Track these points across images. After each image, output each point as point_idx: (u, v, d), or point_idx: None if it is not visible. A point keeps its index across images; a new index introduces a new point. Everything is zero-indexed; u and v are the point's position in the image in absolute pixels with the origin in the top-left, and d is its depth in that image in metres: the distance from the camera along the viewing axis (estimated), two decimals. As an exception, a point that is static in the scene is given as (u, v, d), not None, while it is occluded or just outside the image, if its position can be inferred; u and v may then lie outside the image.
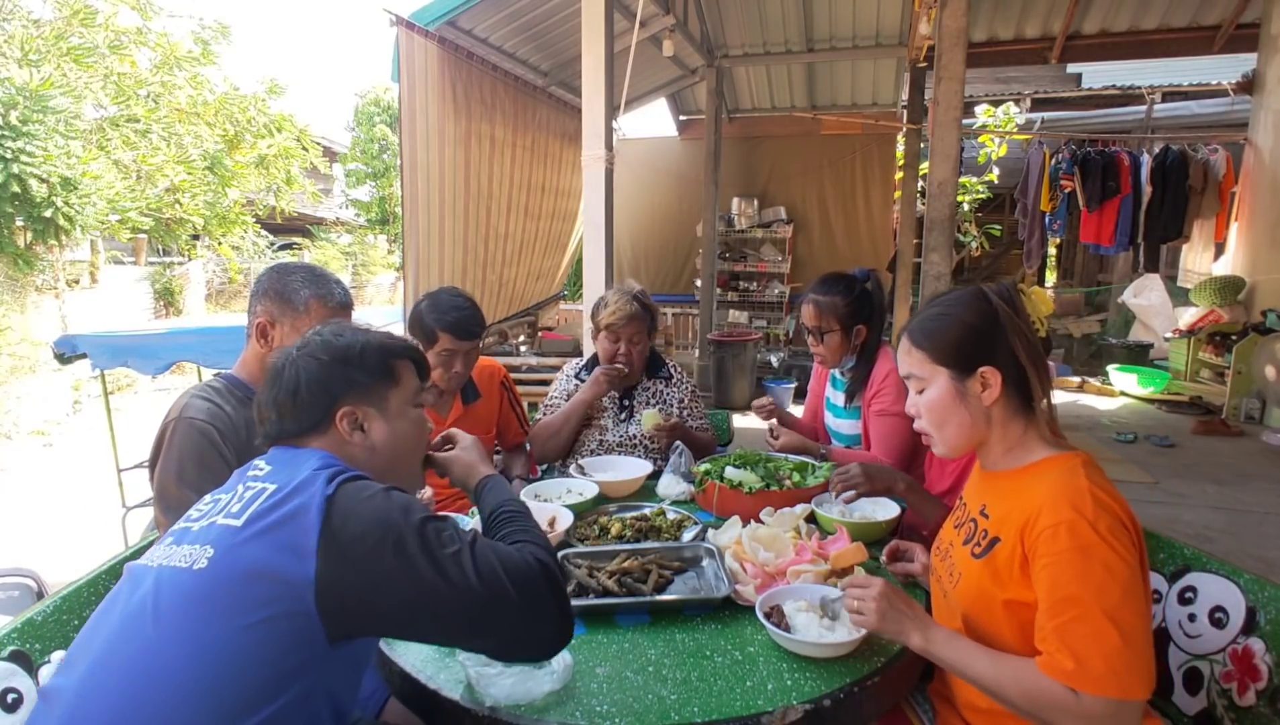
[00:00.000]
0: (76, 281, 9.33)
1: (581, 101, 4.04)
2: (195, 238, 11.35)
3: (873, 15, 6.68)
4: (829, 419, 2.37)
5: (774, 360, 7.58)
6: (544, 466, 2.52)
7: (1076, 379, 7.24)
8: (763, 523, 1.67)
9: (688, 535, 1.69)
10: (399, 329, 2.47)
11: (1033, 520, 1.07)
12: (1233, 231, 6.89)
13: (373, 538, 0.92)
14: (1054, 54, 7.33)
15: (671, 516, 1.79)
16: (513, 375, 2.61)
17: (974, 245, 9.84)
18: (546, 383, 3.86)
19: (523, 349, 6.26)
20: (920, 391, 1.24)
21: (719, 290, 8.45)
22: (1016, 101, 9.46)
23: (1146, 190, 6.85)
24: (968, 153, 8.76)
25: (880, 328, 2.18)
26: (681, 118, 9.11)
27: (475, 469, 1.29)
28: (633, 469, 2.12)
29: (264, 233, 13.37)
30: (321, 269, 1.69)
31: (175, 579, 0.93)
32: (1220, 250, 7.15)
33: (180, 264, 11.94)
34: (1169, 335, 7.20)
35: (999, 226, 10.31)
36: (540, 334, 6.67)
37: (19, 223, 7.23)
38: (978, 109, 9.02)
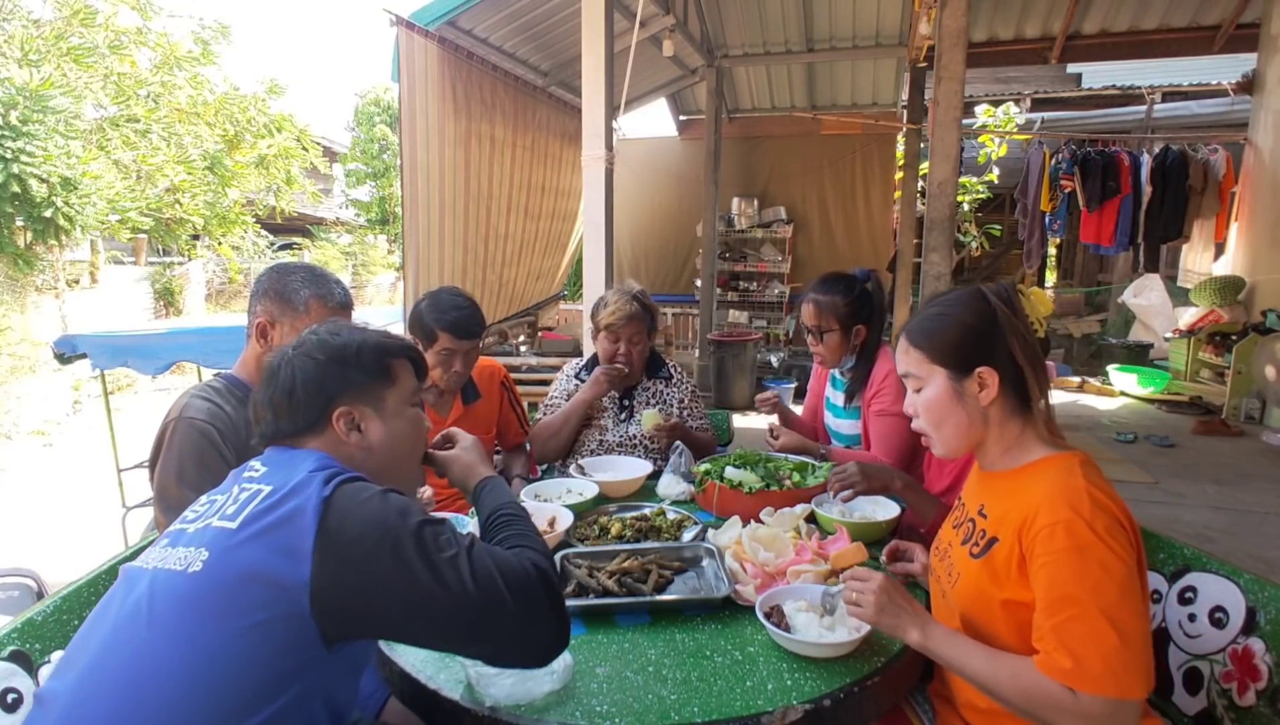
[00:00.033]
0: (76, 281, 9.34)
1: (581, 101, 4.04)
2: (195, 238, 11.35)
3: (873, 15, 6.68)
4: (829, 419, 2.37)
5: (774, 360, 7.59)
6: (544, 466, 2.52)
7: (1076, 379, 7.24)
8: (763, 523, 1.67)
9: (688, 535, 1.69)
10: (399, 329, 2.47)
11: (1030, 520, 1.08)
12: (1233, 231, 6.89)
13: (369, 541, 0.91)
14: (1054, 54, 7.33)
15: (671, 516, 1.79)
16: (513, 375, 2.61)
17: (974, 245, 9.85)
18: (546, 383, 3.86)
19: (523, 349, 6.26)
20: (918, 390, 1.25)
21: (719, 290, 8.45)
22: (1016, 101, 9.46)
23: (1146, 190, 6.85)
24: (968, 153, 8.76)
25: (880, 328, 2.18)
26: (681, 118, 9.11)
27: (474, 470, 1.28)
28: (633, 469, 2.12)
29: (264, 233, 13.38)
30: (321, 269, 1.69)
31: (170, 582, 0.92)
32: (1220, 250, 7.15)
33: (180, 264, 11.94)
34: (1169, 335, 7.20)
35: (999, 226, 10.31)
36: (540, 334, 6.67)
37: (19, 223, 7.23)
38: (978, 109, 9.03)
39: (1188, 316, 6.80)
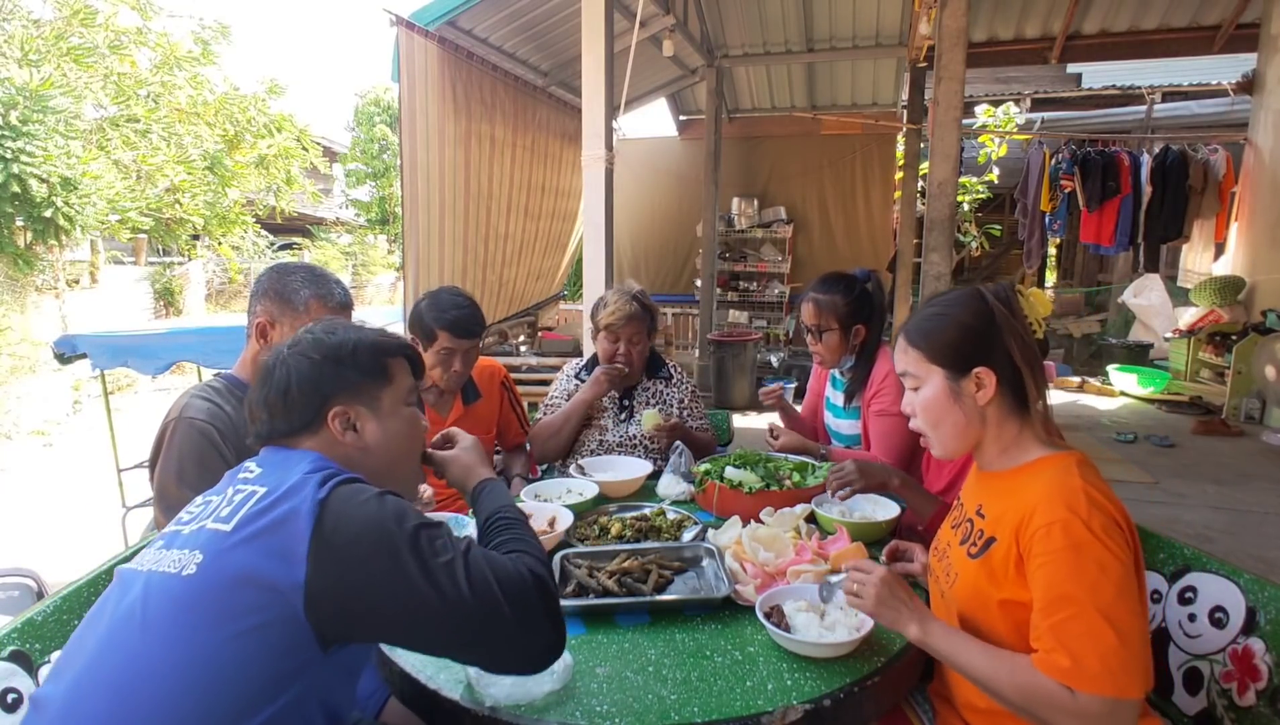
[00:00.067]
0: (76, 281, 9.34)
1: (581, 101, 4.04)
2: (195, 238, 11.35)
3: (873, 15, 6.68)
4: (829, 419, 2.38)
5: (774, 360, 7.59)
6: (544, 466, 2.52)
7: (1076, 379, 7.24)
8: (763, 523, 1.67)
9: (688, 535, 1.69)
10: (399, 329, 2.47)
11: (1027, 520, 1.08)
12: (1233, 231, 6.89)
13: (364, 545, 0.90)
14: (1054, 54, 7.34)
15: (671, 516, 1.79)
16: (513, 375, 2.61)
17: (974, 245, 9.85)
18: (546, 383, 3.86)
19: (523, 349, 6.26)
20: (915, 390, 1.25)
21: (719, 290, 8.46)
22: (1016, 101, 9.46)
23: (1146, 190, 6.85)
24: (968, 153, 8.76)
25: (880, 328, 2.18)
26: (681, 118, 9.11)
27: (473, 471, 1.27)
28: (633, 469, 2.12)
29: (264, 233, 13.38)
30: (321, 269, 1.69)
31: (164, 585, 0.91)
32: (1220, 250, 7.15)
33: (180, 264, 11.94)
34: (1169, 335, 7.20)
35: (999, 226, 10.31)
36: (540, 334, 6.67)
37: (19, 223, 7.23)
38: (978, 109, 9.03)
39: (1188, 316, 6.80)
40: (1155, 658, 1.36)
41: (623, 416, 2.42)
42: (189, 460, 1.46)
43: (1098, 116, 8.76)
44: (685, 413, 2.43)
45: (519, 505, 1.73)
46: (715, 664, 1.20)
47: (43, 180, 6.89)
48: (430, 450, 1.31)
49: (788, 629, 1.23)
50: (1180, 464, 4.74)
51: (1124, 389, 6.84)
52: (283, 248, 15.80)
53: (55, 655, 1.19)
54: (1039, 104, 9.93)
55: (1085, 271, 11.03)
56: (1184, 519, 3.83)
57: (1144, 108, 8.72)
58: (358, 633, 0.92)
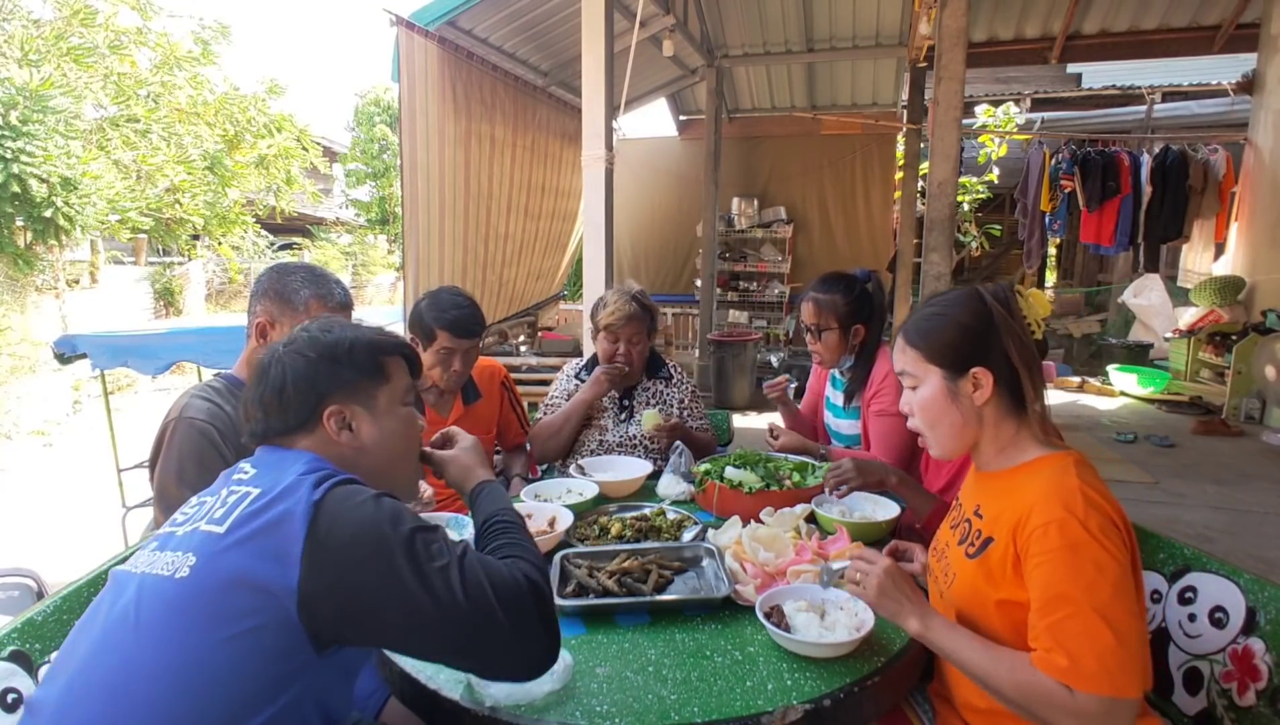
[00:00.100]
0: (76, 281, 9.34)
1: (581, 101, 4.04)
2: (195, 238, 11.35)
3: (873, 15, 6.69)
4: (829, 419, 2.38)
5: (774, 360, 7.59)
6: (544, 466, 2.52)
7: (1076, 379, 7.24)
8: (763, 523, 1.67)
9: (688, 535, 1.69)
10: (399, 329, 2.47)
11: (1024, 519, 1.08)
12: (1233, 231, 6.89)
13: (359, 548, 0.89)
14: (1054, 54, 7.34)
15: (671, 516, 1.79)
16: (513, 375, 2.61)
17: (974, 245, 9.85)
18: (546, 383, 3.86)
19: (523, 349, 6.26)
20: (913, 389, 1.25)
21: (719, 290, 8.46)
22: (1016, 101, 9.47)
23: (1146, 190, 6.85)
24: (968, 153, 8.76)
25: (880, 329, 2.18)
26: (681, 118, 9.11)
27: (472, 472, 1.26)
28: (633, 469, 2.12)
29: (264, 233, 13.38)
30: (321, 269, 1.69)
31: (157, 588, 0.90)
32: (1220, 250, 7.15)
33: (180, 264, 11.94)
34: (1169, 335, 7.20)
35: (999, 226, 10.31)
36: (540, 334, 6.67)
37: (19, 223, 7.24)
38: (978, 109, 9.03)
39: (1188, 316, 6.80)
40: (1155, 658, 1.36)
41: (623, 416, 2.42)
42: (189, 460, 1.46)
43: (1098, 116, 8.77)
44: (685, 413, 2.43)
45: (519, 505, 1.73)
46: (715, 664, 1.20)
47: (43, 180, 6.89)
48: (429, 449, 1.30)
49: (788, 629, 1.23)
50: (1180, 464, 4.74)
51: (1124, 389, 6.84)
52: (283, 248, 15.80)
53: (55, 656, 1.19)
54: (1039, 104, 9.93)
55: (1085, 271, 11.03)
56: (1184, 519, 3.83)
57: (1144, 108, 8.72)
58: (351, 636, 0.91)
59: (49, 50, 8.17)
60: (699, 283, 8.11)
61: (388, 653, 1.24)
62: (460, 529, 1.72)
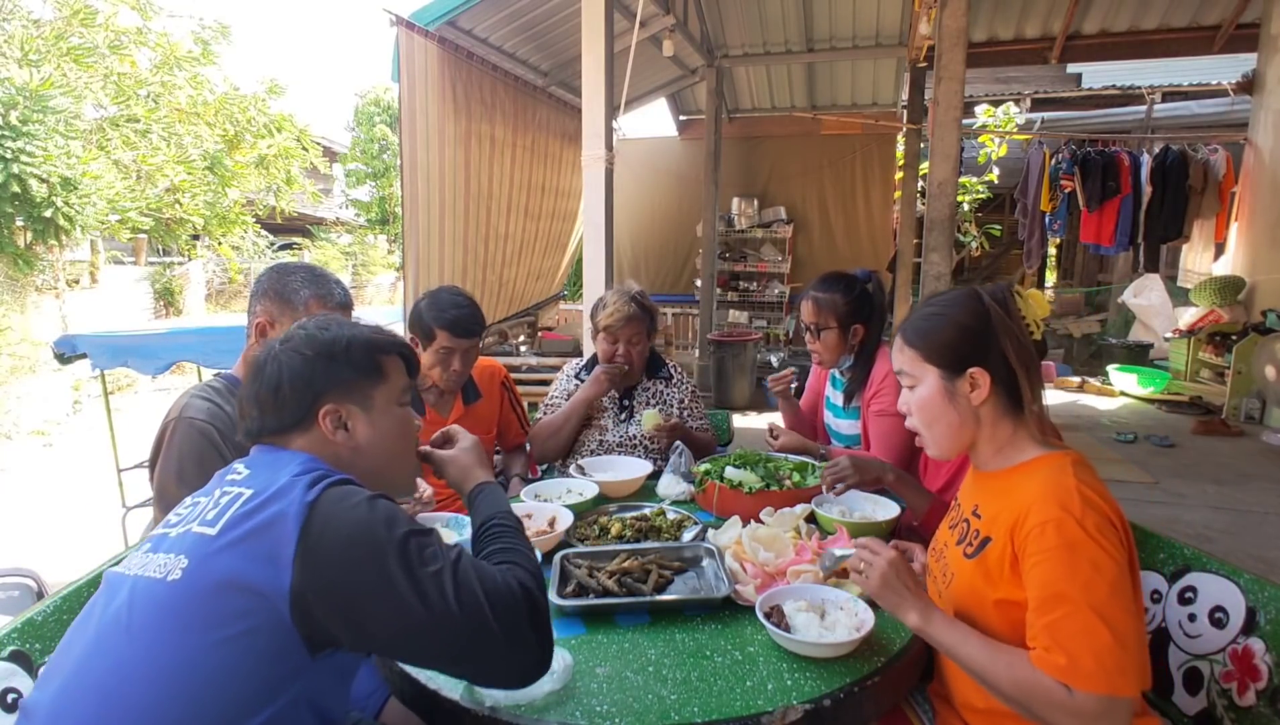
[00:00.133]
0: (76, 281, 9.34)
1: (581, 101, 4.04)
2: (195, 238, 11.35)
3: (873, 15, 6.69)
4: (829, 418, 2.38)
5: (774, 360, 7.59)
6: (544, 466, 2.52)
7: (1076, 379, 7.24)
8: (763, 523, 1.67)
9: (688, 535, 1.69)
10: (399, 329, 2.47)
11: (1022, 519, 1.08)
12: (1233, 231, 6.89)
13: (352, 551, 0.88)
14: (1054, 54, 7.34)
15: (671, 516, 1.79)
16: (513, 375, 2.60)
17: (974, 245, 9.85)
18: (546, 383, 3.86)
19: (523, 349, 6.26)
20: (911, 388, 1.26)
21: (719, 290, 8.46)
22: (1016, 101, 9.47)
23: (1146, 190, 6.86)
24: (968, 153, 8.76)
25: (880, 329, 2.18)
26: (681, 118, 9.11)
27: (470, 473, 1.25)
28: (633, 469, 2.12)
29: (264, 233, 13.39)
30: (321, 269, 1.69)
31: (149, 590, 0.89)
32: (1220, 250, 7.15)
33: (180, 264, 11.94)
34: (1169, 335, 7.21)
35: (999, 226, 10.31)
36: (540, 334, 6.68)
37: (19, 223, 7.24)
38: (978, 109, 9.03)
39: (1188, 316, 6.80)
40: (1155, 658, 1.36)
41: (623, 416, 2.42)
42: (189, 460, 1.46)
43: (1098, 116, 8.77)
44: (685, 413, 2.43)
45: (518, 506, 1.73)
46: (715, 664, 1.20)
47: (43, 180, 6.89)
48: (429, 448, 1.29)
49: (788, 629, 1.23)
50: (1180, 464, 4.74)
51: (1124, 389, 6.84)
52: (283, 248, 15.80)
53: (49, 658, 1.19)
54: (1039, 104, 9.93)
55: (1085, 271, 11.03)
56: (1184, 519, 3.83)
57: (1144, 108, 8.72)
58: (344, 640, 0.90)
59: (49, 50, 8.17)
60: (699, 283, 8.11)
61: (387, 653, 1.24)
62: (460, 529, 1.72)
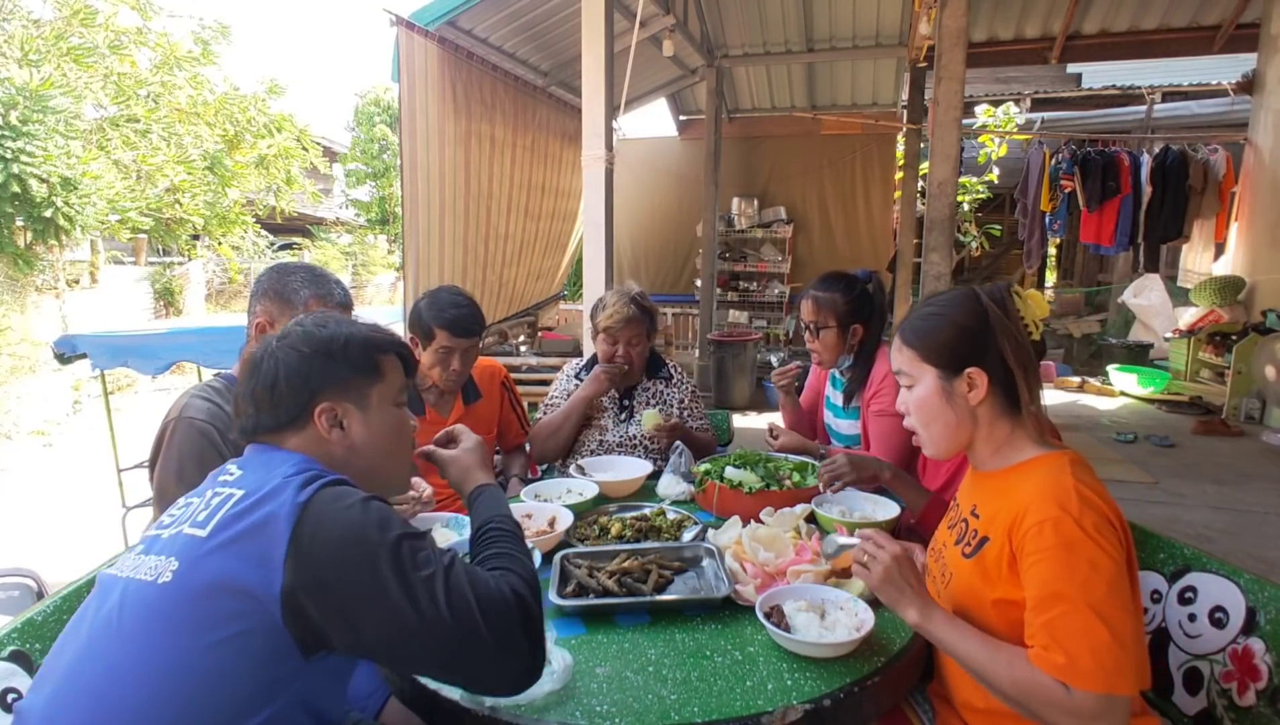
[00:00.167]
0: (76, 281, 9.34)
1: (581, 101, 4.04)
2: (195, 238, 11.35)
3: (873, 15, 6.69)
4: (829, 418, 2.38)
5: (774, 360, 7.59)
6: (544, 466, 2.52)
7: (1076, 379, 7.24)
8: (763, 523, 1.67)
9: (688, 535, 1.69)
10: (399, 329, 2.47)
11: (1020, 518, 1.09)
12: (1233, 231, 6.90)
13: (343, 553, 0.87)
14: (1054, 54, 7.34)
15: (671, 516, 1.79)
16: (513, 375, 2.60)
17: (974, 245, 9.85)
18: (546, 383, 3.86)
19: (523, 349, 6.26)
20: (909, 388, 1.26)
21: (719, 290, 8.46)
22: (1016, 101, 9.47)
23: (1146, 190, 6.86)
24: (968, 153, 8.76)
25: (879, 330, 2.19)
26: (681, 118, 9.11)
27: (471, 474, 1.24)
28: (633, 469, 2.12)
29: (264, 233, 13.38)
30: (321, 269, 1.69)
31: (140, 593, 0.88)
32: (1220, 250, 7.15)
33: (180, 264, 11.94)
34: (1169, 335, 7.21)
35: (999, 226, 10.31)
36: (540, 334, 6.68)
37: (19, 223, 7.24)
38: (978, 109, 9.03)
39: (1188, 316, 6.80)
40: (1155, 658, 1.37)
41: (623, 416, 2.42)
42: (189, 460, 1.46)
43: (1098, 116, 8.77)
44: (685, 413, 2.43)
45: (518, 506, 1.73)
46: (715, 664, 1.20)
47: (43, 180, 6.89)
48: (432, 448, 1.29)
49: (788, 629, 1.23)
50: (1180, 464, 4.74)
51: (1124, 389, 6.84)
52: (283, 248, 15.80)
53: (43, 661, 1.19)
54: (1039, 104, 9.93)
55: (1085, 271, 11.03)
56: (1184, 519, 3.83)
57: (1144, 108, 8.72)
58: (335, 644, 0.89)
59: (49, 50, 8.17)
60: (699, 283, 8.11)
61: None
62: (459, 529, 1.72)
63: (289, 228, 16.30)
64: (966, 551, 1.19)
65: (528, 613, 0.94)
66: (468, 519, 1.75)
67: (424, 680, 1.16)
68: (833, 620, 1.26)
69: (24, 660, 1.15)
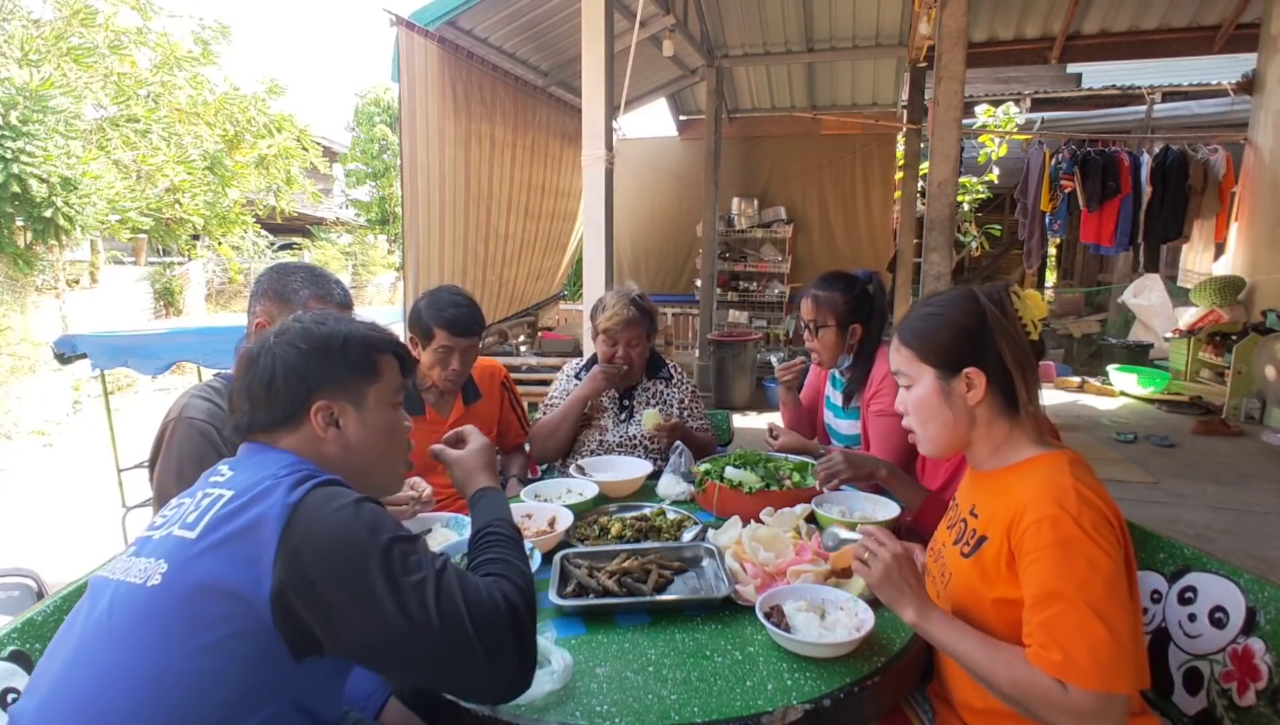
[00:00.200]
0: (76, 281, 9.34)
1: (581, 101, 4.04)
2: (195, 238, 11.35)
3: (873, 15, 6.69)
4: (829, 418, 2.38)
5: (774, 360, 7.56)
6: (544, 466, 2.52)
7: (1076, 379, 7.24)
8: (763, 523, 1.67)
9: (688, 535, 1.69)
10: (399, 329, 2.47)
11: (1018, 517, 1.09)
12: (1233, 231, 6.90)
13: (332, 556, 0.86)
14: (1054, 54, 7.34)
15: (671, 516, 1.79)
16: (513, 375, 2.60)
17: (974, 245, 9.85)
18: (546, 383, 3.86)
19: (523, 349, 6.26)
20: (908, 388, 1.26)
21: (719, 290, 8.45)
22: (1016, 101, 9.47)
23: (1146, 190, 6.86)
24: (968, 153, 8.76)
25: (879, 330, 2.19)
26: (681, 118, 9.11)
27: (474, 477, 1.23)
28: (633, 469, 2.12)
29: (264, 233, 13.38)
30: (321, 269, 1.69)
31: (129, 596, 0.87)
32: (1220, 250, 7.15)
33: (180, 264, 11.94)
34: (1169, 335, 7.21)
35: (999, 226, 10.31)
36: (540, 334, 6.68)
37: (19, 223, 7.24)
38: (978, 109, 9.03)
39: (1188, 316, 6.80)
40: (1155, 658, 1.37)
41: (623, 416, 2.42)
42: (188, 460, 1.46)
43: (1098, 116, 8.77)
44: (685, 413, 2.43)
45: (518, 506, 1.73)
46: (715, 664, 1.20)
47: (43, 180, 6.89)
48: (441, 447, 1.29)
49: (788, 629, 1.23)
50: (1180, 464, 4.74)
51: (1124, 389, 6.84)
52: (283, 248, 15.80)
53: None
54: (1039, 104, 9.93)
55: (1085, 271, 11.03)
56: (1184, 519, 3.83)
57: (1144, 108, 8.72)
58: (325, 648, 0.87)
59: (49, 50, 8.17)
60: (699, 283, 8.11)
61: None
62: (459, 529, 1.72)
63: (289, 228, 16.30)
64: (965, 551, 1.19)
65: (519, 621, 0.93)
66: (469, 519, 1.76)
67: (424, 680, 1.16)
68: (833, 620, 1.26)
69: (24, 660, 1.15)
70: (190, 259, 12.22)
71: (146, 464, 1.59)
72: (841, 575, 1.42)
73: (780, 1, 6.58)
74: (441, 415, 2.23)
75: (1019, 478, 1.15)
